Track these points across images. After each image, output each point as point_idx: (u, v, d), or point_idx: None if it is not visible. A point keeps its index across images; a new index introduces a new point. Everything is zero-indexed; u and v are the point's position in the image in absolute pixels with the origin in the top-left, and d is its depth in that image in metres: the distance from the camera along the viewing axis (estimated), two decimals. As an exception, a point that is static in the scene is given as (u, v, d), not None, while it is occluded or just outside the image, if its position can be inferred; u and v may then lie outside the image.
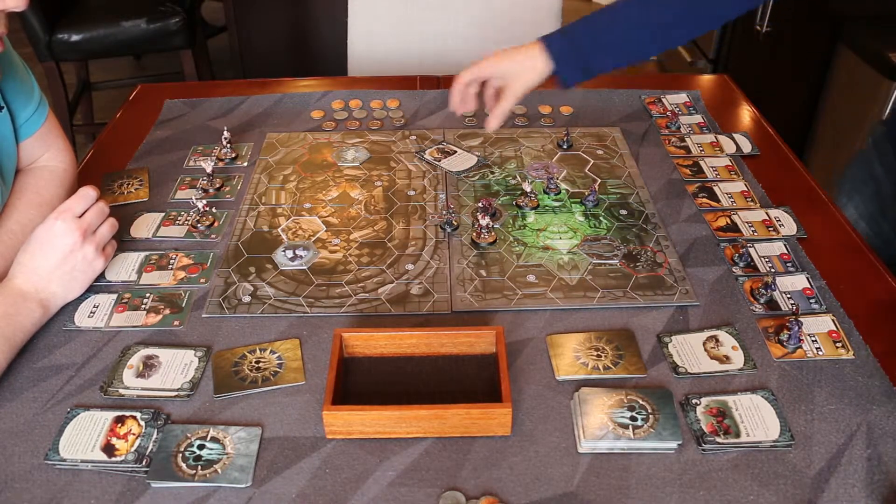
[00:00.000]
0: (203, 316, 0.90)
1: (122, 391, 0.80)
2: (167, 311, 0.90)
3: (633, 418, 0.76)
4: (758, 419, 0.76)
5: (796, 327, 0.84)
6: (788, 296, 0.92)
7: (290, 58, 2.81)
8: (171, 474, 0.71)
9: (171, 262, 0.98)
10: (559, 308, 0.91)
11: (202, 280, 0.96)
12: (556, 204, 1.10)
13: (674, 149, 1.23)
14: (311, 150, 1.23)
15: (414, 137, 1.26)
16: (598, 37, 1.01)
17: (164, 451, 0.73)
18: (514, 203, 1.10)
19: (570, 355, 0.84)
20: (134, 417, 0.77)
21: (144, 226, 1.05)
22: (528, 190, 1.09)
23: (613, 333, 0.87)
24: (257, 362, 0.84)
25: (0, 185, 0.96)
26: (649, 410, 0.76)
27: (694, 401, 0.78)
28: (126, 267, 0.97)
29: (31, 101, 1.03)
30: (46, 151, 1.06)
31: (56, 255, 0.87)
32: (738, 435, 0.75)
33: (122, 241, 1.02)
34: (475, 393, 0.79)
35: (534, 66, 1.03)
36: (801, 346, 0.85)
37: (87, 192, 0.91)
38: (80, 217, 0.90)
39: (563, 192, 1.12)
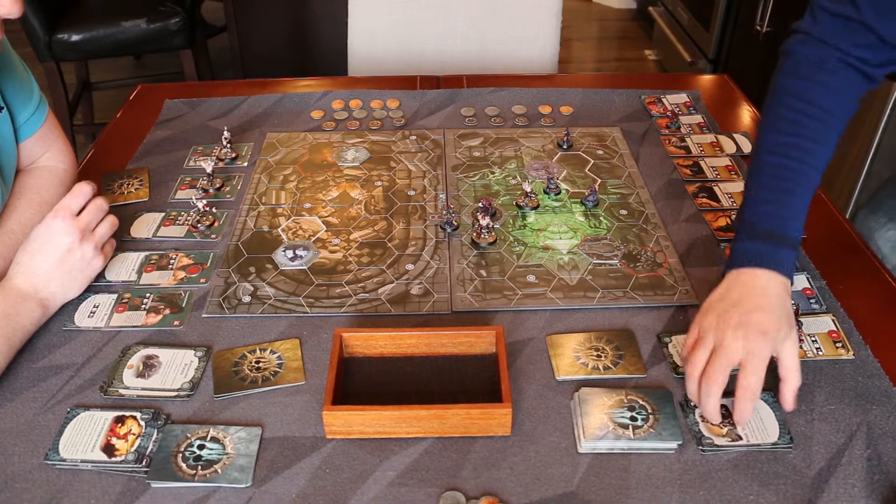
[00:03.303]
0: (203, 316, 0.90)
1: (122, 391, 0.80)
2: (167, 311, 0.90)
3: (633, 418, 0.76)
4: (757, 421, 0.76)
5: (796, 327, 0.84)
6: (788, 296, 0.92)
7: (290, 58, 2.81)
8: (171, 474, 0.71)
9: (171, 262, 0.98)
10: (559, 308, 0.91)
11: (202, 280, 0.96)
12: (556, 204, 1.10)
13: (674, 149, 1.23)
14: (311, 150, 1.23)
15: (414, 137, 1.26)
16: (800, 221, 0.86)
17: (164, 451, 0.73)
18: (514, 203, 1.10)
19: (570, 355, 0.84)
20: (134, 417, 0.77)
21: (144, 226, 1.05)
22: (528, 190, 1.09)
23: (613, 333, 0.87)
24: (257, 362, 0.84)
25: (0, 185, 0.96)
26: (649, 410, 0.76)
27: (693, 402, 0.78)
28: (126, 267, 0.97)
29: (31, 102, 1.03)
30: (46, 151, 1.06)
31: (55, 254, 0.87)
32: (737, 438, 0.75)
33: (122, 241, 1.02)
34: (475, 393, 0.79)
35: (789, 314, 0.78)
36: (801, 346, 0.85)
37: (83, 189, 0.90)
38: (78, 215, 0.90)
39: (563, 192, 1.12)
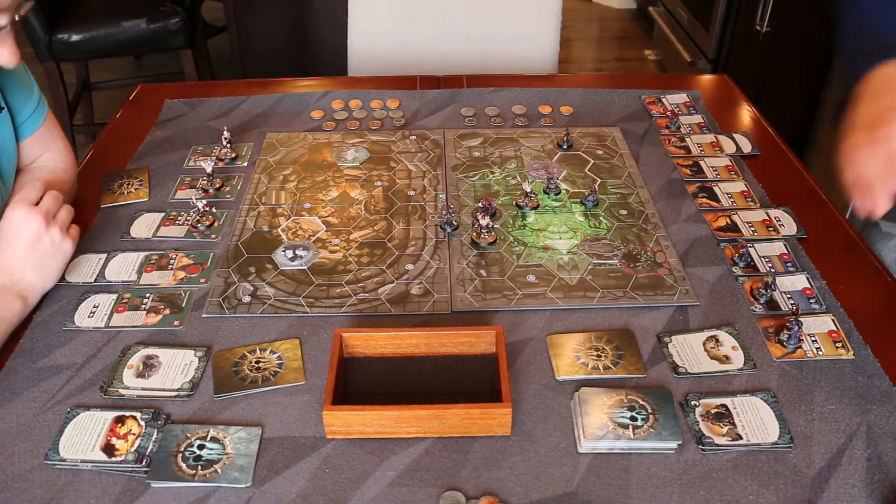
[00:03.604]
0: (203, 316, 0.90)
1: (122, 391, 0.80)
2: (167, 311, 0.90)
3: (633, 418, 0.76)
4: (757, 422, 0.76)
5: (796, 327, 0.84)
6: (788, 296, 0.92)
7: (290, 58, 2.80)
8: (171, 474, 0.71)
9: (171, 262, 0.98)
10: (559, 308, 0.91)
11: (202, 280, 0.96)
12: (556, 204, 1.10)
13: (674, 149, 1.23)
14: (311, 150, 1.23)
15: (414, 137, 1.26)
16: None
17: (164, 451, 0.73)
18: (514, 203, 1.10)
19: (570, 355, 0.84)
20: (134, 417, 0.77)
21: (144, 226, 1.05)
22: (528, 190, 1.09)
23: (613, 333, 0.87)
24: (257, 362, 0.84)
25: (0, 185, 0.96)
26: (649, 410, 0.76)
27: (693, 402, 0.78)
28: (126, 267, 0.97)
29: (31, 101, 1.03)
30: (46, 151, 1.06)
31: (23, 243, 0.87)
32: (737, 438, 0.75)
33: (122, 241, 1.02)
34: (475, 393, 0.79)
35: None
36: (801, 346, 0.85)
37: (36, 183, 0.92)
38: (37, 204, 0.89)
39: (563, 192, 1.12)
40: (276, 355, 0.85)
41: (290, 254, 1.00)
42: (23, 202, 0.88)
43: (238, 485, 0.71)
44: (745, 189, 1.12)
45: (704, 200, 1.10)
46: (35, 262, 0.88)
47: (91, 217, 1.07)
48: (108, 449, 0.73)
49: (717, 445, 0.74)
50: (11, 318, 0.85)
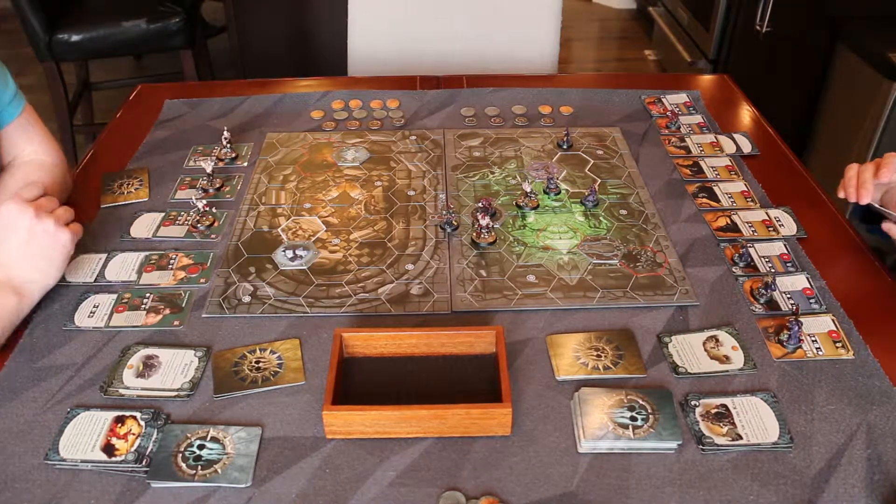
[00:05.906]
0: (203, 316, 0.90)
1: (122, 391, 0.80)
2: (167, 311, 0.90)
3: (633, 418, 0.76)
4: (757, 422, 0.76)
5: (796, 327, 0.84)
6: (788, 296, 0.92)
7: (290, 58, 2.80)
8: (171, 474, 0.71)
9: (171, 262, 0.98)
10: (559, 308, 0.91)
11: (202, 280, 0.96)
12: (556, 204, 1.10)
13: (674, 149, 1.23)
14: (311, 150, 1.23)
15: (414, 137, 1.26)
16: None
17: (164, 451, 0.73)
18: (514, 203, 1.10)
19: (570, 355, 0.84)
20: (134, 417, 0.77)
21: (144, 226, 1.05)
22: (528, 190, 1.09)
23: (613, 333, 0.87)
24: (257, 362, 0.84)
25: None
26: (649, 410, 0.76)
27: (693, 402, 0.78)
28: (126, 267, 0.97)
29: (7, 90, 1.03)
30: (30, 145, 1.06)
31: (17, 237, 0.86)
32: (737, 438, 0.75)
33: (122, 241, 1.02)
34: (475, 393, 0.79)
35: None
36: (801, 346, 0.85)
37: (37, 184, 0.91)
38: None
39: (563, 192, 1.12)
40: (276, 355, 0.85)
41: (290, 254, 1.00)
42: (16, 198, 0.87)
43: (238, 485, 0.71)
44: (745, 189, 1.12)
45: (704, 200, 1.10)
46: (31, 257, 0.86)
47: (91, 217, 1.07)
48: (108, 449, 0.73)
49: (717, 445, 0.74)
50: (8, 315, 0.84)
